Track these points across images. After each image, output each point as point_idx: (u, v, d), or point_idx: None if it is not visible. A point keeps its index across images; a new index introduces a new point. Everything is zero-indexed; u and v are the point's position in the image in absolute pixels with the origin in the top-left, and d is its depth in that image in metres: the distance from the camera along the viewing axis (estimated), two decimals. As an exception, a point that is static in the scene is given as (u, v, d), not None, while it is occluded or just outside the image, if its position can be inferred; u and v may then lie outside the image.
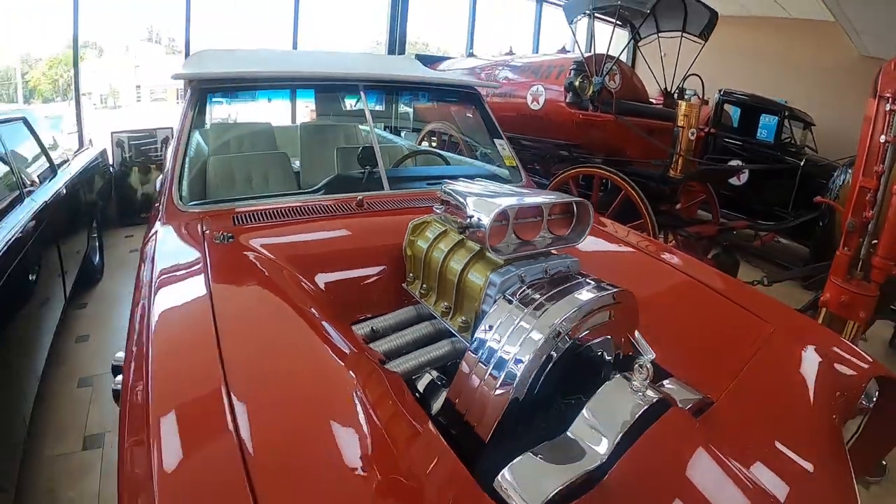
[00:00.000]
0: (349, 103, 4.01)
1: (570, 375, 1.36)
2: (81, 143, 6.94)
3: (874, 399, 1.76)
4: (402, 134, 4.60)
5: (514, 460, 1.13)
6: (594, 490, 1.09)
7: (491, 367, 1.30)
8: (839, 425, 1.61)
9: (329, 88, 3.36)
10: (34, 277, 3.05)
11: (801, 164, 6.62)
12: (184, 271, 1.74)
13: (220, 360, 1.22)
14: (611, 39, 5.28)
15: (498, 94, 5.87)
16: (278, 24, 9.80)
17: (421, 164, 3.39)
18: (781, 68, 10.02)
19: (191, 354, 1.31)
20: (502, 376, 1.27)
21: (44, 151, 4.49)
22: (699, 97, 8.31)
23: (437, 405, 1.43)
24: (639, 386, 1.26)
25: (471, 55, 8.53)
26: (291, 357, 1.39)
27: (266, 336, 1.45)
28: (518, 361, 1.27)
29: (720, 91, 7.45)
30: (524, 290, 1.42)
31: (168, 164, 3.14)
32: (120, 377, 1.66)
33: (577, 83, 5.01)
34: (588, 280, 1.47)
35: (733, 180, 6.53)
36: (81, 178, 4.99)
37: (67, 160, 5.12)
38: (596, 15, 5.63)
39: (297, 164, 3.40)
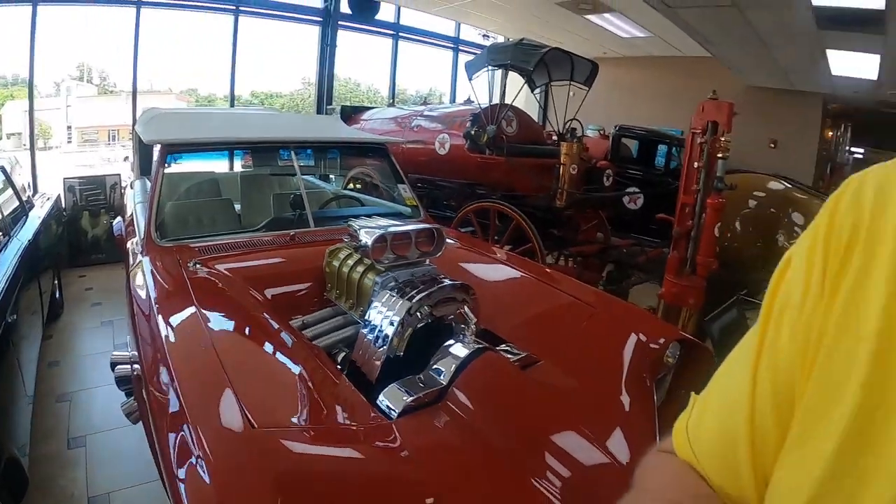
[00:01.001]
0: (284, 155, 4.64)
1: (427, 337, 2.14)
2: (35, 189, 7.23)
3: (677, 357, 2.40)
4: (332, 177, 5.31)
5: (387, 388, 1.90)
6: (440, 402, 1.86)
7: (373, 337, 2.12)
8: (650, 381, 2.23)
9: (270, 149, 4.00)
10: (22, 313, 3.46)
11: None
12: (173, 290, 2.44)
13: (215, 351, 1.87)
14: (503, 90, 6.10)
15: (414, 141, 6.56)
16: (214, 61, 10.38)
17: (343, 205, 4.11)
18: (679, 101, 10.88)
19: (196, 350, 1.93)
20: (380, 342, 2.09)
21: (18, 197, 4.85)
22: (601, 133, 9.29)
23: (346, 366, 2.20)
24: (467, 340, 2.05)
25: (391, 105, 9.31)
26: (257, 345, 2.11)
27: (239, 332, 2.17)
28: (389, 331, 2.07)
29: (616, 127, 8.32)
30: (397, 286, 2.22)
31: (136, 208, 3.78)
32: (119, 367, 2.42)
33: (472, 132, 5.77)
34: (441, 279, 2.27)
35: (630, 205, 7.32)
36: (47, 221, 5.35)
37: (32, 203, 5.46)
38: (492, 70, 6.37)
39: (237, 206, 4.00)
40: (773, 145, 10.92)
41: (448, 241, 2.92)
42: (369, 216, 2.81)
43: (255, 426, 1.49)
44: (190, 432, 1.46)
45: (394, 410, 1.81)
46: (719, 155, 3.97)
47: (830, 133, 12.51)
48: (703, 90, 4.45)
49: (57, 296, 5.64)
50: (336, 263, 2.58)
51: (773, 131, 10.85)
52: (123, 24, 8.57)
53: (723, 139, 3.99)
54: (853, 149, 14.19)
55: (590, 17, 9.03)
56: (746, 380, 0.58)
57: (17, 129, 9.87)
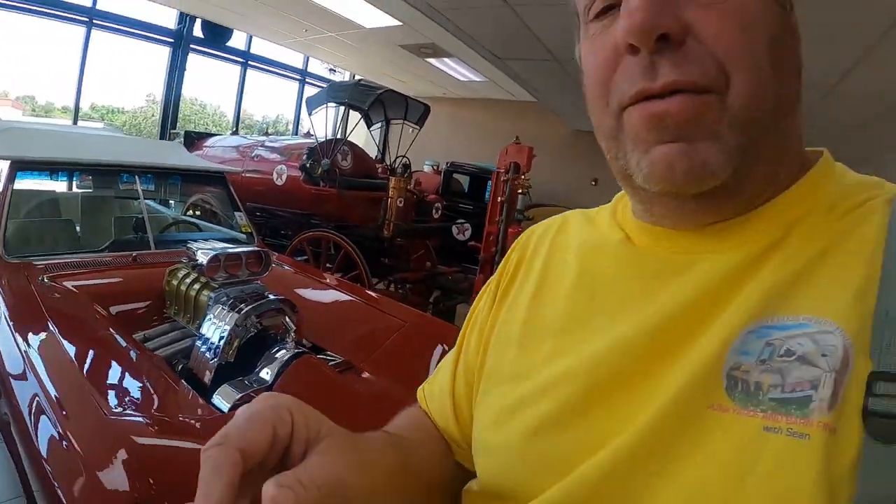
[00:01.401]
0: (125, 179, 4.71)
1: (255, 346, 2.50)
2: None
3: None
4: (172, 203, 5.45)
5: (219, 388, 2.25)
6: (266, 398, 2.23)
7: (206, 346, 2.46)
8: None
9: (113, 172, 4.03)
10: None
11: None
12: (26, 305, 2.57)
13: (76, 363, 2.11)
14: (345, 126, 6.56)
15: (253, 171, 6.80)
16: (55, 69, 9.99)
17: (182, 230, 4.34)
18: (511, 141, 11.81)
19: (54, 359, 2.12)
20: (212, 350, 2.43)
21: None
22: (434, 168, 9.91)
23: (185, 374, 2.50)
24: (289, 345, 2.44)
25: (234, 133, 9.49)
26: (106, 356, 2.30)
27: (88, 344, 2.34)
28: (220, 340, 2.42)
29: (447, 164, 8.92)
30: (229, 301, 2.56)
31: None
32: None
33: (308, 165, 6.09)
34: (267, 295, 2.64)
35: (458, 236, 7.83)
36: None
37: None
38: (331, 106, 6.67)
39: (77, 227, 4.04)
40: (594, 183, 11.97)
41: (283, 267, 3.28)
42: (206, 240, 3.11)
43: (106, 414, 1.77)
44: (54, 425, 1.70)
45: (226, 404, 2.14)
46: (520, 191, 4.61)
47: (645, 170, 13.82)
48: (532, 132, 5.12)
49: None
50: (175, 282, 2.87)
51: (596, 171, 11.88)
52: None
53: (523, 177, 4.63)
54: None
55: (430, 60, 9.49)
56: (452, 363, 0.83)
57: None
